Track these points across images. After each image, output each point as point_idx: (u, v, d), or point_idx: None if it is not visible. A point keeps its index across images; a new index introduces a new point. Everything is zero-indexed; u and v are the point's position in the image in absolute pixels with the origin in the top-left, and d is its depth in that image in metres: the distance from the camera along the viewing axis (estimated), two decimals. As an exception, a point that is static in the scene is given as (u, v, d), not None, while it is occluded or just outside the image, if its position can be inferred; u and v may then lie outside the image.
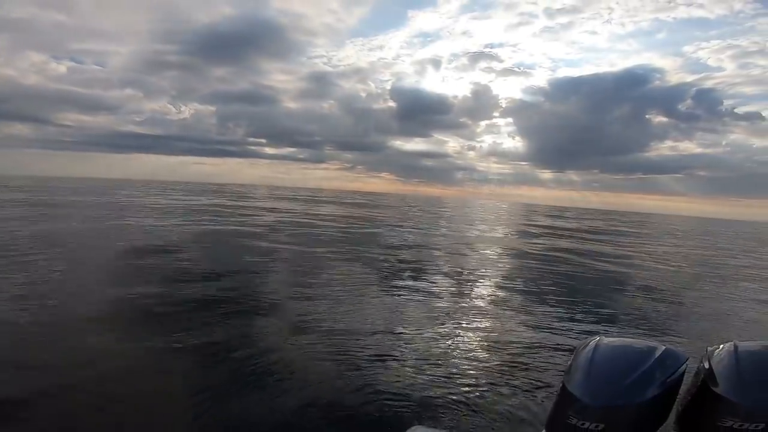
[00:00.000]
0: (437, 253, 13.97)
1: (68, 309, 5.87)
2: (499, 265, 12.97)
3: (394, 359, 4.81)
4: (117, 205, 26.78)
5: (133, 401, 3.68)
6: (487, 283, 9.69)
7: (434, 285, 8.89)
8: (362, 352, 4.95)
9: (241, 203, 35.30)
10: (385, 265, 10.74)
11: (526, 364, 4.95)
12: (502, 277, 10.67)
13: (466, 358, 5.00)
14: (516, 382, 4.41)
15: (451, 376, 4.50)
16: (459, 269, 11.02)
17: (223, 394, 3.86)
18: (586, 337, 1.35)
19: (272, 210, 29.33)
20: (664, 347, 1.22)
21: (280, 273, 9.25)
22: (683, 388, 1.19)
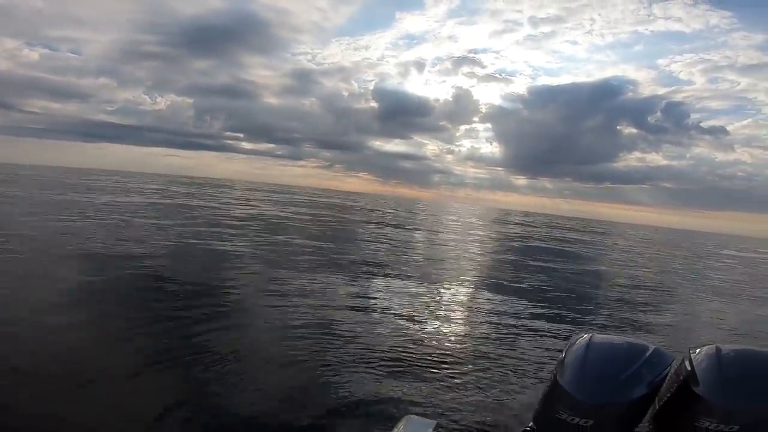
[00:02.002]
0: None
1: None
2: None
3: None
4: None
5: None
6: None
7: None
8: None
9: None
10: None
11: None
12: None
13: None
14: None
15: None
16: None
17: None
18: (578, 333, 1.31)
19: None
20: (653, 347, 1.21)
21: None
22: (664, 386, 1.18)
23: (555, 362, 1.25)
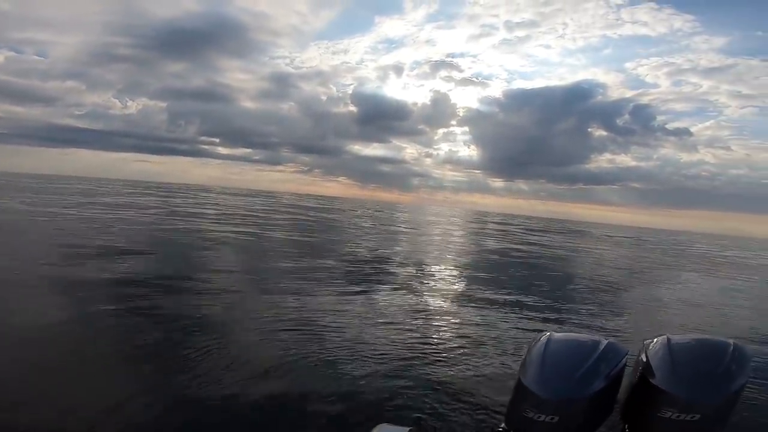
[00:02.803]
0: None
1: None
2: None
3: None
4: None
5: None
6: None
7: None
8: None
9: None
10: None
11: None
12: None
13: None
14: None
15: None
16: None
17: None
18: (538, 332, 1.35)
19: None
20: (606, 341, 1.25)
21: None
22: (625, 380, 1.22)
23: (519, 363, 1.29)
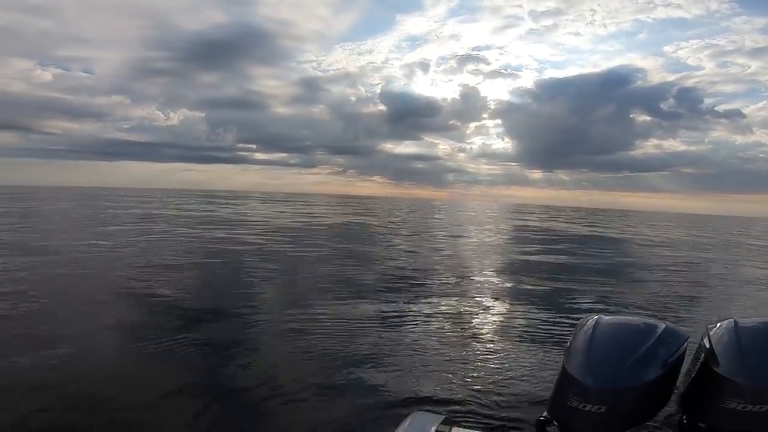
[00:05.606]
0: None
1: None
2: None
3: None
4: None
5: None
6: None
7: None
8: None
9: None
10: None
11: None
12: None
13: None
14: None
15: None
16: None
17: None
18: (585, 316, 1.25)
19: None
20: (664, 325, 1.17)
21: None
22: (684, 368, 1.14)
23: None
